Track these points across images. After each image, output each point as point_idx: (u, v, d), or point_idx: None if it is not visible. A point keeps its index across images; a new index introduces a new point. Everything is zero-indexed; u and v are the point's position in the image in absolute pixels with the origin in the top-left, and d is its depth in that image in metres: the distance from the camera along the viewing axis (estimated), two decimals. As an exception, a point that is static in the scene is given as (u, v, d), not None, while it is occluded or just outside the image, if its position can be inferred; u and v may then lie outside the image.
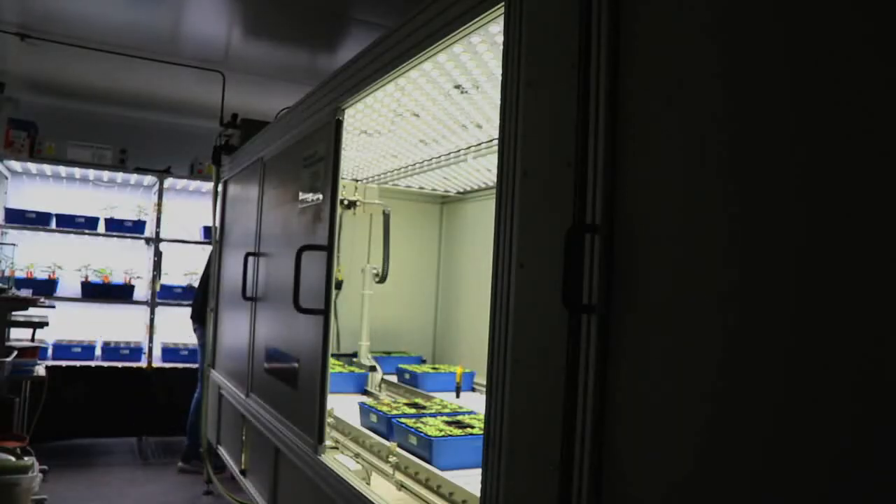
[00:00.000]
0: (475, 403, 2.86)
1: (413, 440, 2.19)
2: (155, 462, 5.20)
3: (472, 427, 2.27)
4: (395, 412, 2.52)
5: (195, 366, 5.36)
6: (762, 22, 0.89)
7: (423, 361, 3.88)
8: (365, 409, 2.63)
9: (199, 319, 4.90)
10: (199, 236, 5.86)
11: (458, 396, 3.12)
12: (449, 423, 2.32)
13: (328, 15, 3.71)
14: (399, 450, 2.20)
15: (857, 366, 0.75)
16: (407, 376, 3.39)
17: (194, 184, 5.84)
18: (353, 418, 2.68)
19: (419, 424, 2.27)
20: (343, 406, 2.86)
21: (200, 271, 5.16)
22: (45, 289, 5.24)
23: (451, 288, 4.10)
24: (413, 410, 2.60)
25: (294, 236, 2.79)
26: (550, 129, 1.25)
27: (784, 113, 0.85)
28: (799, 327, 0.81)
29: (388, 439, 2.36)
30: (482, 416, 2.47)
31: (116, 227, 5.58)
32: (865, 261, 0.75)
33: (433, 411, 2.59)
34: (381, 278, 3.69)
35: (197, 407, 4.72)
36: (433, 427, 2.24)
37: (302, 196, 2.72)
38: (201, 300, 4.89)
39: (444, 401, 2.88)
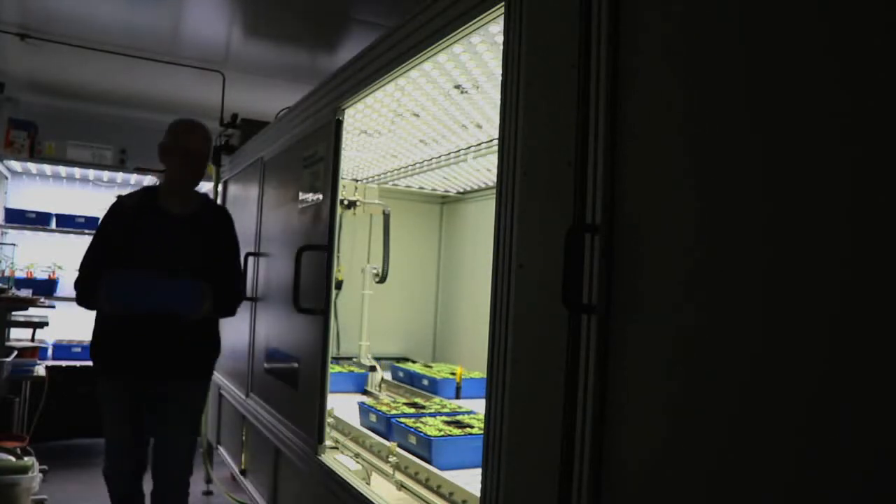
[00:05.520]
0: (475, 403, 2.86)
1: (412, 440, 2.19)
2: (155, 462, 5.19)
3: (472, 427, 2.28)
4: (394, 412, 2.52)
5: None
6: (762, 21, 0.89)
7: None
8: (364, 409, 2.63)
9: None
10: (199, 236, 5.85)
11: (458, 397, 3.12)
12: (448, 423, 2.33)
13: (328, 15, 3.71)
14: (399, 450, 2.20)
15: (858, 366, 0.75)
16: (401, 374, 3.40)
17: (194, 184, 5.84)
18: (354, 418, 2.68)
19: (419, 424, 2.28)
20: (343, 406, 2.86)
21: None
22: (45, 289, 5.24)
23: (451, 288, 4.10)
24: (412, 410, 2.61)
25: (294, 236, 2.79)
26: (550, 129, 1.25)
27: (784, 111, 0.85)
28: (800, 326, 0.81)
29: (387, 439, 2.36)
30: (482, 416, 2.49)
31: (116, 227, 5.58)
32: (870, 264, 0.75)
33: (432, 411, 2.60)
34: (381, 278, 3.69)
35: None
36: (433, 427, 2.24)
37: (302, 196, 2.72)
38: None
39: (443, 400, 2.89)
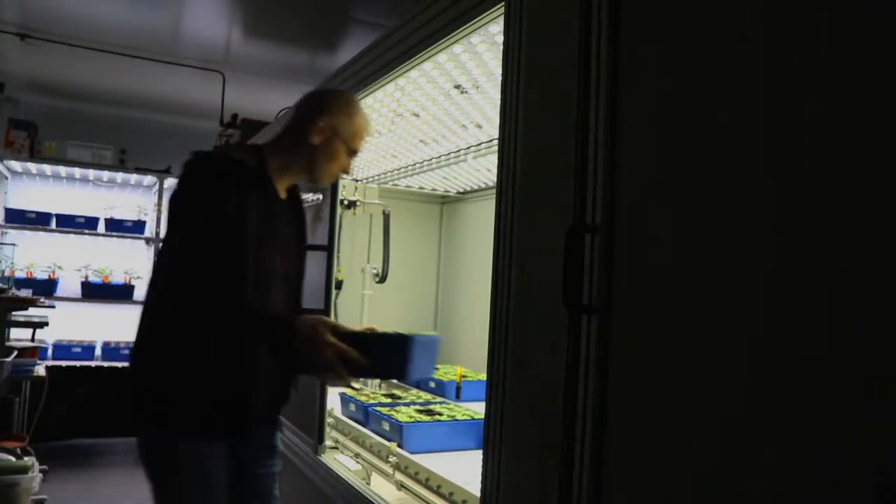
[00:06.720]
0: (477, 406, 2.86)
1: (386, 426, 2.32)
2: (155, 462, 5.18)
3: (441, 415, 2.42)
4: (371, 402, 2.65)
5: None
6: (762, 21, 0.89)
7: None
8: (345, 399, 2.75)
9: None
10: (198, 236, 5.84)
11: (458, 398, 3.12)
12: (420, 412, 2.47)
13: (328, 15, 3.71)
14: (398, 449, 2.21)
15: (859, 368, 0.75)
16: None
17: (194, 184, 5.83)
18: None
19: (392, 412, 2.41)
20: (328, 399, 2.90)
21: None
22: (45, 289, 5.23)
23: (451, 288, 4.10)
24: (389, 400, 2.76)
25: (294, 236, 2.79)
26: (550, 129, 1.25)
27: (786, 112, 0.85)
28: (800, 325, 0.81)
29: (365, 426, 2.48)
30: (453, 406, 2.60)
31: (116, 227, 5.58)
32: (872, 265, 0.75)
33: (407, 401, 2.73)
34: (381, 278, 3.69)
35: None
36: (405, 414, 2.38)
37: (302, 196, 2.72)
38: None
39: (419, 392, 3.03)
